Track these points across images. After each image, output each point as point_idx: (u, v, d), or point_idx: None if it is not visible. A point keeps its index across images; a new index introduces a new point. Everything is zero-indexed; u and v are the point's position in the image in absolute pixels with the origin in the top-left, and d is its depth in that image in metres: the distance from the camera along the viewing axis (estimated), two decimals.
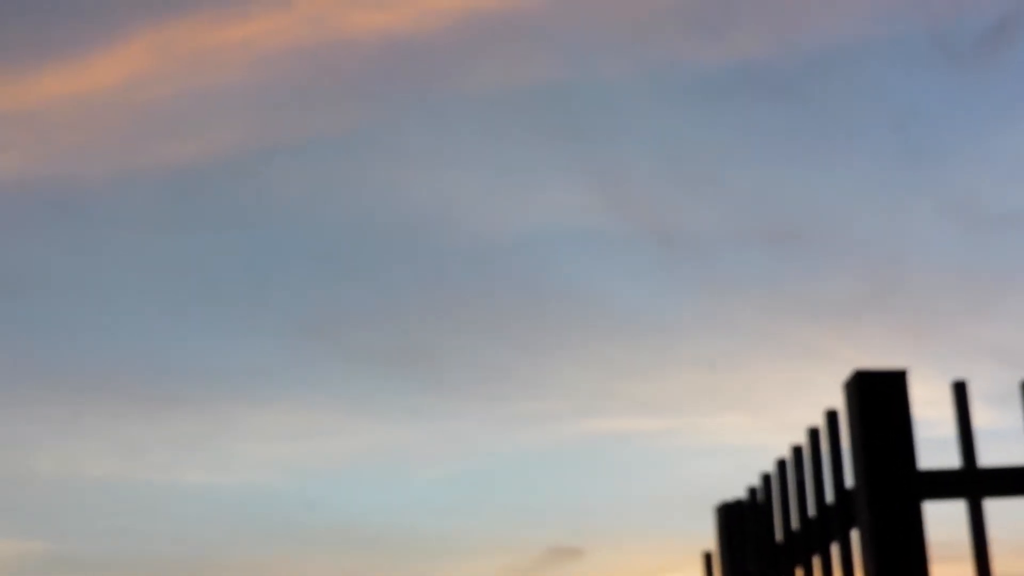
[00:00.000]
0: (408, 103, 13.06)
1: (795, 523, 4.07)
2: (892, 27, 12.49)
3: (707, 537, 5.03)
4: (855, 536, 3.59)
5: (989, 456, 3.53)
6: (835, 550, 3.74)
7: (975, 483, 3.48)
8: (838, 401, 3.66)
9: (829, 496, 3.78)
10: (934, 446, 3.54)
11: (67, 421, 13.64)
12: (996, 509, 3.51)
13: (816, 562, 3.90)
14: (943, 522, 3.47)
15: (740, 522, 4.71)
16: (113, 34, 12.34)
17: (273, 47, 12.66)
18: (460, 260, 13.76)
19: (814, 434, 3.87)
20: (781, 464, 4.18)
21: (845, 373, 3.56)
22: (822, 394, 3.83)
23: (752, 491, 4.57)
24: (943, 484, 3.46)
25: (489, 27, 12.73)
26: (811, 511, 3.92)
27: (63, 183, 13.28)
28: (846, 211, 12.79)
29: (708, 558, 5.07)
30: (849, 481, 3.61)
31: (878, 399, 3.46)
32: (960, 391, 3.56)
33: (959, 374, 3.58)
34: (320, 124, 13.30)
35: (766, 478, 4.37)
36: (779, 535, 4.23)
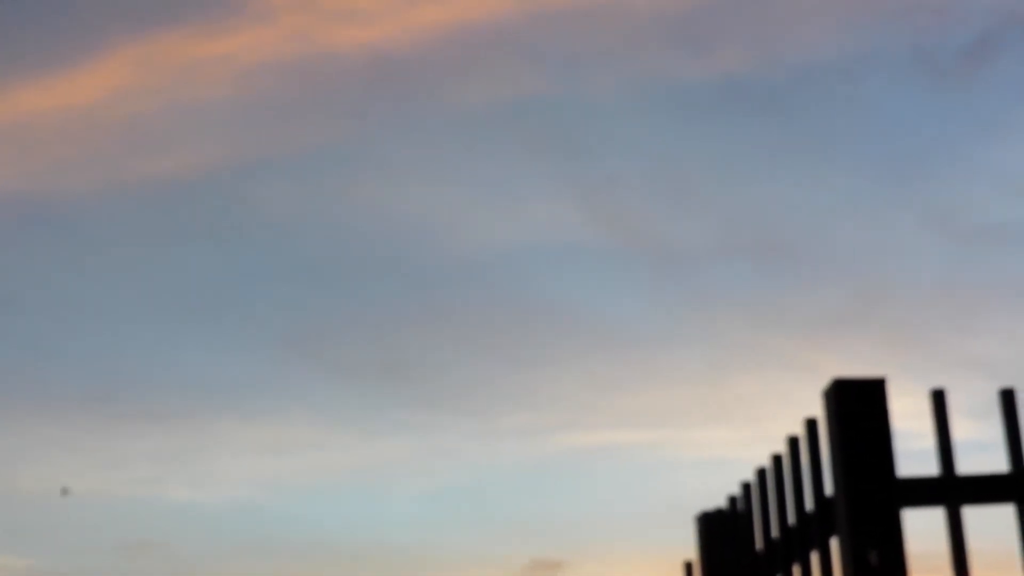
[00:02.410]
0: (394, 118, 13.08)
1: (775, 531, 4.08)
2: (876, 42, 12.55)
3: (689, 548, 5.03)
4: (835, 544, 3.59)
5: (969, 467, 3.55)
6: (815, 558, 3.74)
7: (953, 491, 3.49)
8: (818, 413, 3.67)
9: (809, 504, 3.79)
10: (915, 457, 3.56)
11: (50, 435, 13.59)
12: (975, 519, 3.53)
13: (796, 570, 3.90)
14: (922, 532, 3.48)
15: (721, 531, 4.72)
16: (98, 48, 12.34)
17: (258, 61, 12.67)
18: (446, 274, 13.77)
19: (794, 443, 3.88)
20: (761, 473, 4.19)
21: (825, 383, 3.57)
22: (805, 405, 3.84)
23: (732, 500, 4.58)
24: (922, 492, 3.47)
25: (475, 42, 12.75)
26: (791, 519, 3.93)
27: (47, 197, 13.25)
28: (830, 224, 12.84)
29: (688, 567, 5.08)
30: (829, 489, 3.62)
31: (857, 407, 3.47)
32: (939, 399, 3.57)
33: (939, 384, 3.60)
34: (305, 138, 13.31)
35: (746, 487, 4.37)
36: (759, 543, 4.24)
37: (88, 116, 12.73)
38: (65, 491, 10.36)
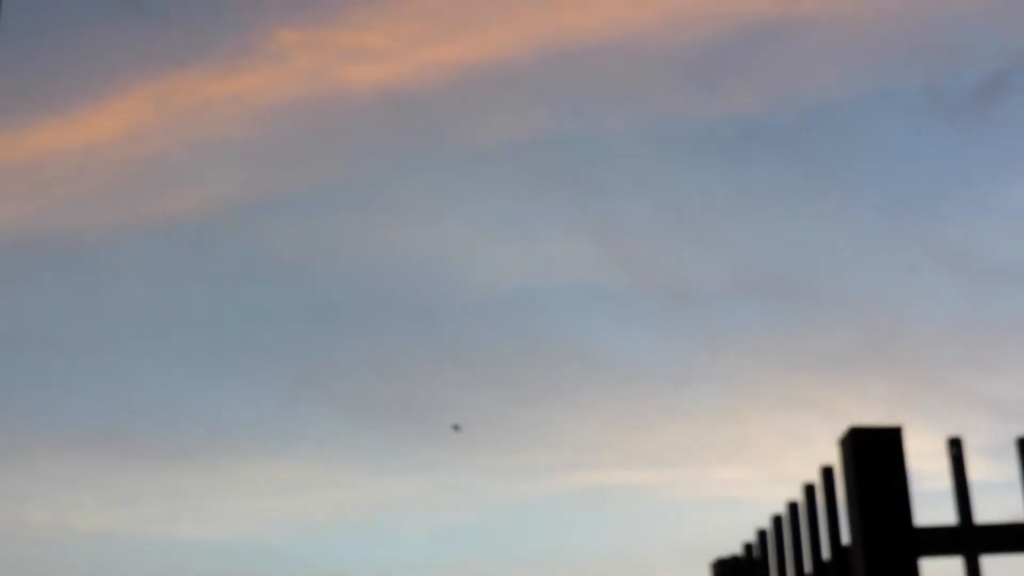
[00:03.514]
0: (406, 156, 13.11)
1: None
2: (888, 82, 12.57)
3: None
4: None
5: (985, 508, 3.52)
6: None
7: (971, 540, 3.46)
8: (834, 454, 3.65)
9: (826, 553, 3.76)
10: (930, 499, 3.53)
11: (60, 473, 13.58)
12: (993, 564, 3.50)
13: None
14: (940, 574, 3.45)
15: None
16: (112, 87, 12.40)
17: (271, 100, 12.73)
18: (457, 313, 13.77)
19: (810, 490, 3.85)
20: (777, 520, 4.16)
21: (842, 425, 3.55)
22: (819, 446, 3.82)
23: (748, 547, 4.55)
24: (939, 541, 3.44)
25: (487, 81, 12.80)
26: (808, 568, 3.90)
27: (61, 235, 13.30)
28: (843, 264, 12.82)
29: None
30: (845, 538, 3.59)
31: (874, 456, 3.45)
32: (956, 447, 3.55)
33: (955, 426, 3.58)
34: (317, 177, 13.35)
35: (762, 534, 4.35)
36: None
37: (103, 155, 12.79)
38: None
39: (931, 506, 3.50)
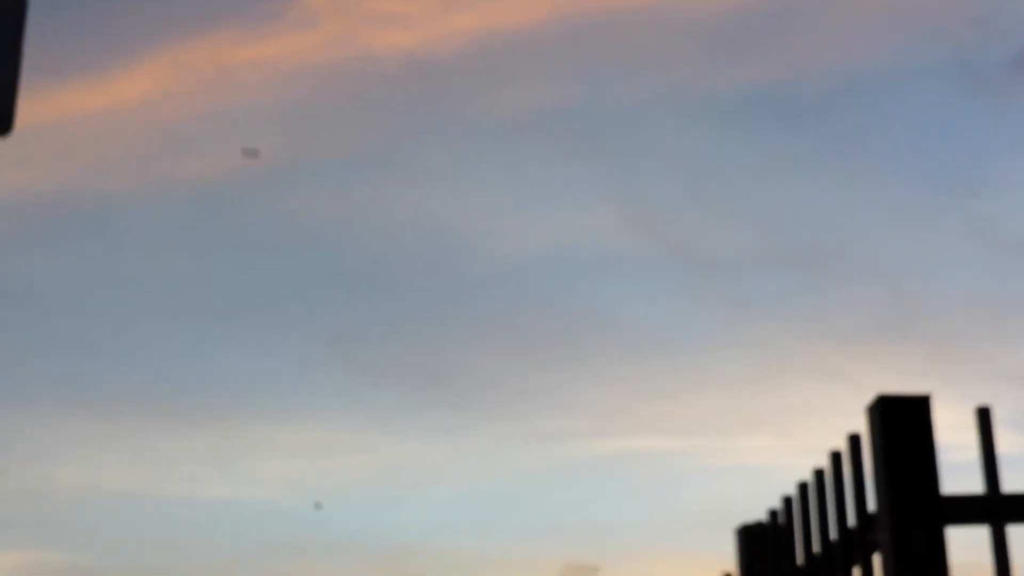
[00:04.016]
0: (431, 123, 13.11)
1: (816, 547, 4.06)
2: (917, 53, 12.49)
3: (727, 559, 5.02)
4: (877, 561, 3.58)
5: (1012, 480, 3.53)
6: (857, 574, 3.73)
7: (998, 509, 3.47)
8: (860, 425, 3.66)
9: (851, 520, 3.77)
10: (956, 470, 3.54)
11: (87, 434, 13.69)
12: (1019, 533, 3.51)
13: None
14: (965, 545, 3.46)
15: (761, 545, 4.70)
16: (136, 51, 12.43)
17: (296, 66, 12.73)
18: (482, 280, 13.79)
19: (836, 458, 3.86)
20: (803, 487, 4.17)
21: (868, 396, 3.56)
22: (845, 417, 3.82)
23: (773, 514, 4.56)
24: (966, 510, 3.45)
25: (513, 48, 12.77)
26: (833, 535, 3.91)
27: (88, 197, 13.36)
28: (870, 235, 12.78)
29: None
30: (871, 505, 3.60)
31: (901, 424, 3.46)
32: (984, 417, 3.55)
33: (982, 398, 3.58)
34: (342, 143, 13.36)
35: (787, 501, 4.36)
36: (800, 558, 4.22)
37: (127, 118, 12.82)
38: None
39: (958, 477, 3.51)
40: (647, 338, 13.38)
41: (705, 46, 12.69)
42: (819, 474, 4.01)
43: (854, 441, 3.74)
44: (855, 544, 3.70)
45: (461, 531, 13.61)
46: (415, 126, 13.19)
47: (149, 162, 13.18)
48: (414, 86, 12.86)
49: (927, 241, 12.54)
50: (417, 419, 13.68)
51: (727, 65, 12.63)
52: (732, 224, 13.11)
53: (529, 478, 13.83)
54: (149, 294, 13.72)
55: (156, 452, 13.69)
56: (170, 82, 12.58)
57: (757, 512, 4.74)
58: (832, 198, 12.72)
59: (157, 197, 13.32)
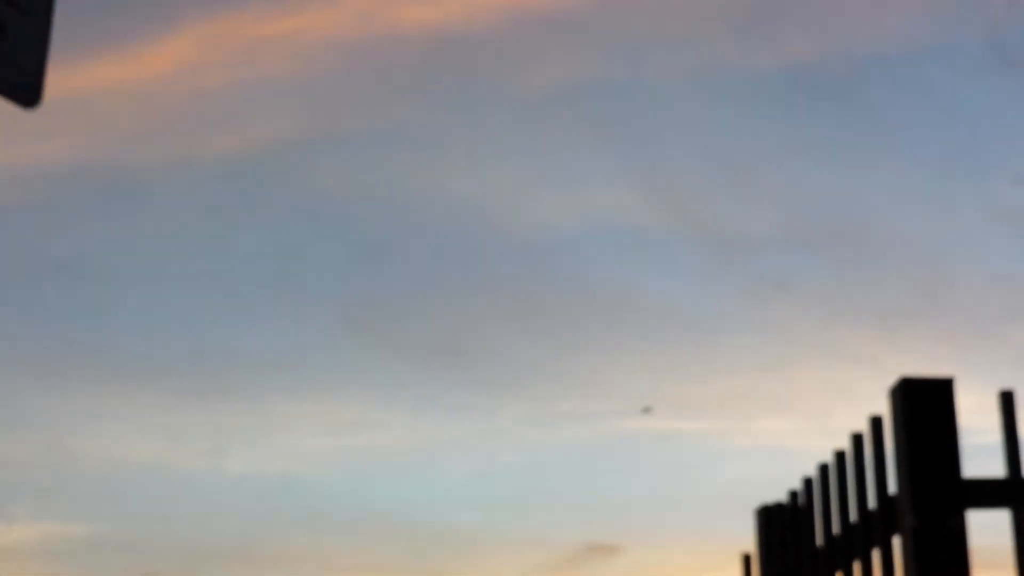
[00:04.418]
0: (456, 99, 13.09)
1: (836, 528, 4.06)
2: (945, 31, 12.40)
3: (746, 539, 5.02)
4: (897, 543, 3.57)
5: None
6: (876, 556, 3.72)
7: (1020, 493, 3.46)
8: (882, 407, 3.65)
9: (871, 502, 3.76)
10: (978, 453, 3.53)
11: (111, 407, 13.76)
12: None
13: (857, 568, 3.88)
14: (986, 528, 3.46)
15: (780, 525, 4.70)
16: (166, 24, 12.44)
17: (322, 41, 12.73)
18: (504, 257, 13.78)
19: (858, 440, 3.85)
20: (824, 468, 4.17)
21: (890, 379, 3.55)
22: (866, 399, 3.82)
23: (793, 495, 4.56)
24: (987, 493, 3.44)
25: (537, 25, 12.73)
26: (853, 516, 3.91)
27: (114, 170, 13.40)
28: (894, 215, 12.72)
29: (747, 560, 5.06)
30: (892, 488, 3.59)
31: (924, 407, 3.45)
32: (1007, 401, 3.54)
33: (1005, 381, 3.57)
34: (368, 118, 13.36)
35: (808, 482, 4.35)
36: (820, 540, 4.22)
37: (158, 91, 12.85)
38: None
39: (979, 461, 3.50)
40: (670, 318, 13.37)
41: (733, 24, 12.63)
42: (840, 456, 4.00)
43: (876, 423, 3.73)
44: (875, 526, 3.70)
45: (480, 509, 13.65)
46: (440, 102, 13.18)
47: (176, 136, 13.21)
48: (439, 62, 12.84)
49: (952, 222, 12.48)
50: (438, 397, 13.71)
51: (754, 43, 12.57)
52: (757, 203, 13.07)
53: (549, 457, 13.85)
54: (175, 267, 13.77)
55: (180, 426, 13.76)
56: (198, 56, 12.59)
57: (778, 494, 4.74)
58: (857, 178, 12.66)
59: (184, 171, 13.35)
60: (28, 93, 2.64)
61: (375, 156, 13.50)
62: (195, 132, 13.21)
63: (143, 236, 13.67)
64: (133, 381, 13.96)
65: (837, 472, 4.02)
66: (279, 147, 13.30)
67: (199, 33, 12.45)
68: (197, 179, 13.47)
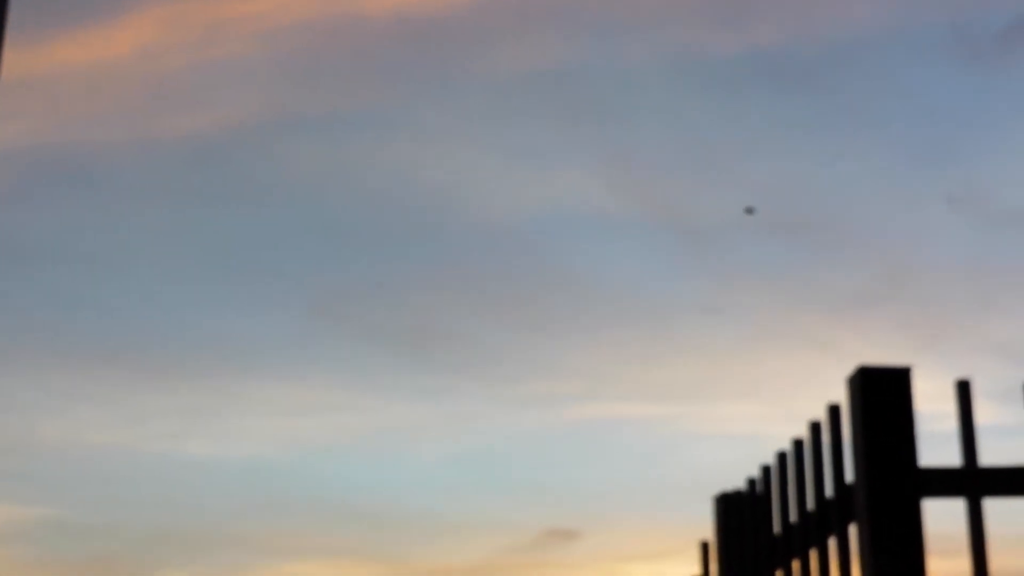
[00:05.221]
0: (422, 82, 13.03)
1: (793, 516, 4.06)
2: (912, 20, 12.44)
3: (705, 525, 5.03)
4: (853, 531, 3.58)
5: (991, 453, 3.52)
6: (833, 544, 3.73)
7: (975, 483, 3.47)
8: (842, 394, 3.64)
9: (829, 490, 3.77)
10: (936, 441, 3.53)
11: (72, 388, 13.67)
12: (995, 505, 3.50)
13: (813, 555, 3.89)
14: (941, 517, 3.46)
15: (739, 513, 4.70)
16: (127, 5, 12.32)
17: (288, 21, 12.64)
18: (471, 241, 13.76)
19: (816, 428, 3.85)
20: (782, 456, 4.17)
21: (850, 366, 3.55)
22: (826, 386, 3.82)
23: (752, 482, 4.56)
24: (943, 482, 3.45)
25: (505, 8, 12.69)
26: (810, 504, 3.91)
27: (75, 150, 13.28)
28: (858, 203, 12.76)
29: (705, 547, 5.07)
30: (849, 476, 3.59)
31: (881, 396, 3.45)
32: (964, 390, 3.54)
33: (964, 370, 3.57)
34: (333, 100, 13.29)
35: (766, 470, 4.36)
36: (777, 527, 4.22)
37: (119, 72, 12.73)
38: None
39: (936, 449, 3.50)
40: (634, 303, 13.38)
41: (701, 9, 12.62)
42: (798, 444, 4.00)
43: (834, 411, 3.73)
44: (832, 514, 3.70)
45: (442, 493, 13.64)
46: (407, 84, 13.12)
47: (138, 116, 13.10)
48: (404, 44, 12.78)
49: (915, 211, 12.53)
50: (402, 380, 13.68)
51: (723, 29, 12.57)
52: (720, 190, 13.08)
53: (512, 442, 13.85)
54: (136, 249, 13.67)
55: (141, 408, 13.68)
56: (160, 37, 12.48)
57: (736, 480, 4.74)
58: (822, 165, 12.69)
59: (146, 151, 13.25)
60: None
61: (339, 139, 13.43)
62: (157, 114, 13.11)
63: (105, 218, 13.56)
64: (95, 363, 13.86)
65: (795, 460, 4.02)
66: (242, 129, 13.21)
67: (160, 14, 12.34)
68: (159, 161, 13.37)
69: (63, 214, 13.54)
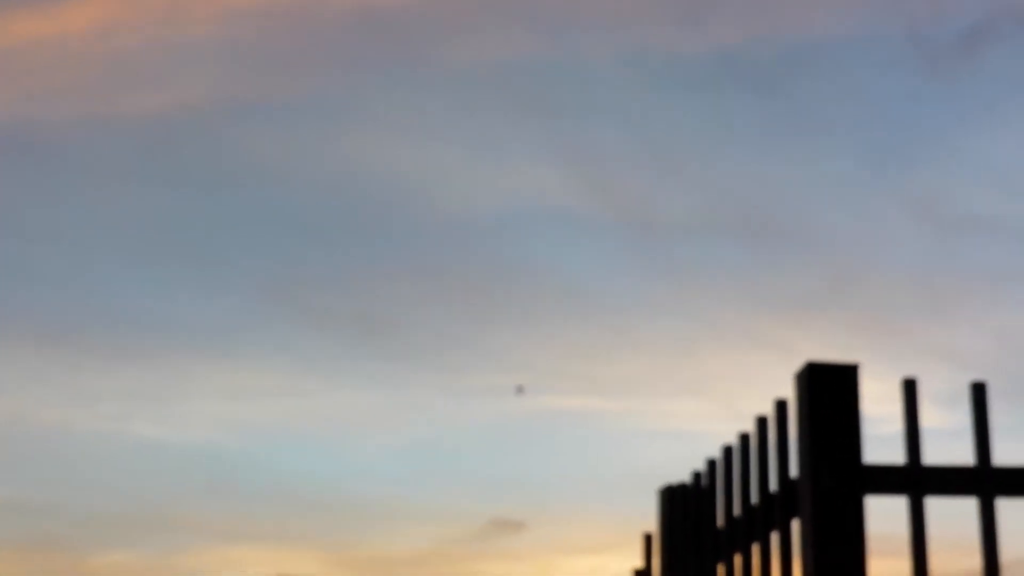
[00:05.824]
0: (383, 72, 12.99)
1: (737, 510, 4.08)
2: (869, 25, 12.52)
3: (650, 519, 5.04)
4: (796, 526, 3.59)
5: (936, 456, 3.55)
6: (775, 539, 3.74)
7: (918, 481, 3.49)
8: (790, 393, 3.66)
9: (773, 485, 3.78)
10: (882, 442, 3.55)
11: (18, 367, 13.53)
12: (936, 505, 3.53)
13: (755, 550, 3.90)
14: (883, 516, 3.48)
15: (683, 506, 4.71)
16: None
17: (249, 5, 12.56)
18: (427, 232, 13.73)
19: (762, 423, 3.87)
20: (727, 450, 4.18)
21: (799, 364, 3.56)
22: (775, 385, 3.83)
23: (696, 476, 4.58)
24: (886, 480, 3.47)
25: (467, 0, 12.66)
26: (754, 499, 3.92)
27: (28, 126, 13.14)
28: (812, 206, 12.84)
29: (648, 540, 5.08)
30: (794, 471, 3.61)
31: (828, 392, 3.46)
32: (910, 388, 3.57)
33: (911, 371, 3.60)
34: (291, 84, 13.21)
35: (711, 463, 4.37)
36: (720, 521, 4.24)
37: (76, 49, 12.61)
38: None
39: (882, 450, 3.52)
40: (585, 298, 13.40)
41: (662, 8, 12.64)
42: (744, 438, 4.02)
43: (781, 406, 3.74)
44: (776, 509, 3.72)
45: (390, 481, 13.61)
46: (365, 74, 13.07)
47: (95, 93, 12.98)
48: (366, 33, 12.73)
49: (867, 214, 12.62)
50: (353, 367, 13.64)
51: (682, 28, 12.60)
52: (676, 189, 13.12)
53: (460, 432, 13.84)
54: (89, 227, 13.55)
55: (88, 388, 13.56)
56: (118, 15, 12.37)
57: (682, 474, 4.75)
58: (777, 166, 12.76)
59: (101, 129, 13.13)
60: None
61: (296, 125, 13.36)
62: (113, 91, 12.99)
63: (57, 195, 13.43)
64: (44, 342, 13.73)
65: (741, 454, 4.04)
66: (199, 112, 13.11)
67: None
68: (114, 140, 13.25)
69: (15, 190, 13.40)
